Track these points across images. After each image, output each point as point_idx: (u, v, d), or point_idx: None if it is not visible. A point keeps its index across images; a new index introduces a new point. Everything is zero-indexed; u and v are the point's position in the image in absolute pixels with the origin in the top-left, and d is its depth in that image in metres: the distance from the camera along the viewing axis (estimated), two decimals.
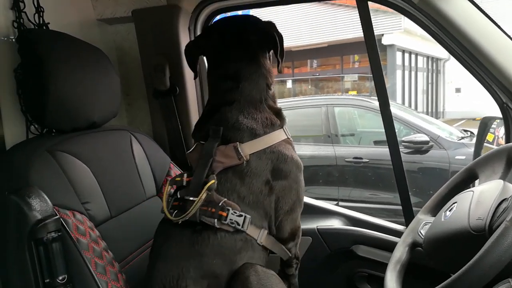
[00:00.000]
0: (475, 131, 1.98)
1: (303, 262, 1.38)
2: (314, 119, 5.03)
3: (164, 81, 1.70)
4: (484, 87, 1.40)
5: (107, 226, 1.20)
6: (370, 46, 1.63)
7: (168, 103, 1.74)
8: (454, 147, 4.42)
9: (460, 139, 4.61)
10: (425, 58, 14.41)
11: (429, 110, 14.63)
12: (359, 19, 1.61)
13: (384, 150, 1.74)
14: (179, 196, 1.14)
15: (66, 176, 1.12)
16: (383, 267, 1.26)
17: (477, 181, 1.21)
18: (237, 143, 1.14)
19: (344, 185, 4.83)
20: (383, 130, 1.69)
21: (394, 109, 5.14)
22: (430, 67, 15.03)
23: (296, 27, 11.64)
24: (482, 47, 1.32)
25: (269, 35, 1.24)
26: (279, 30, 1.27)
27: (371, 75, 1.72)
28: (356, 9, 1.61)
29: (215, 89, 1.27)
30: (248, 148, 1.15)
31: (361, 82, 13.26)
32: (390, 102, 1.71)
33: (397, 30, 11.42)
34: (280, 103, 1.36)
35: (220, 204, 1.09)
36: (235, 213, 1.09)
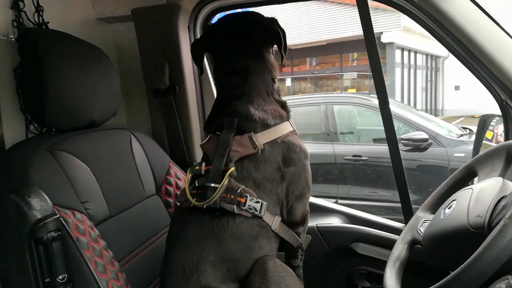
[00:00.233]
0: (474, 128, 1.98)
1: (303, 260, 1.38)
2: (313, 117, 5.03)
3: (163, 80, 1.70)
4: (484, 85, 1.40)
5: (106, 225, 1.20)
6: (370, 44, 1.63)
7: (168, 102, 1.74)
8: (453, 144, 4.43)
9: (459, 137, 4.61)
10: (424, 56, 14.42)
11: (428, 107, 14.64)
12: (358, 17, 1.61)
13: (383, 148, 1.75)
14: (197, 185, 1.17)
15: (66, 175, 1.12)
16: (382, 264, 1.26)
17: (476, 179, 1.22)
18: (251, 133, 1.19)
19: (343, 183, 4.84)
20: (382, 128, 1.69)
21: (393, 107, 5.14)
22: (429, 65, 15.03)
23: (295, 25, 11.63)
24: (482, 45, 1.32)
25: (272, 30, 1.28)
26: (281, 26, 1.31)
27: (370, 73, 1.72)
28: (355, 7, 1.61)
29: (223, 84, 1.30)
30: (262, 138, 1.20)
31: (360, 80, 13.26)
32: (390, 100, 1.71)
33: (396, 28, 11.42)
34: None
35: (238, 191, 1.13)
36: (253, 199, 1.14)
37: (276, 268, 1.12)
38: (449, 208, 1.07)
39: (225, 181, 1.12)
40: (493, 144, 1.95)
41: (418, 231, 1.21)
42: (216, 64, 1.33)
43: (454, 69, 13.55)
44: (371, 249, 1.68)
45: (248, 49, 1.27)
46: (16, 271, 0.98)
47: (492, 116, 1.89)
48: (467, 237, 0.95)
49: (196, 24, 1.78)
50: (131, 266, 1.23)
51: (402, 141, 4.40)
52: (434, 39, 1.48)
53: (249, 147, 1.18)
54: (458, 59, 1.43)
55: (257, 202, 1.14)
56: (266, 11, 1.45)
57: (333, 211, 1.82)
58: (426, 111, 13.49)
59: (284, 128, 1.25)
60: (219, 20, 1.39)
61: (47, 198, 1.00)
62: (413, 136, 4.48)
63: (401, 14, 1.53)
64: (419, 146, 4.44)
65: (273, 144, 1.21)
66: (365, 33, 1.62)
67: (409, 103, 12.65)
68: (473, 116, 9.63)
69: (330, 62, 14.55)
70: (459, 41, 1.35)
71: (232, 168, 1.14)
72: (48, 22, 1.38)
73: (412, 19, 1.49)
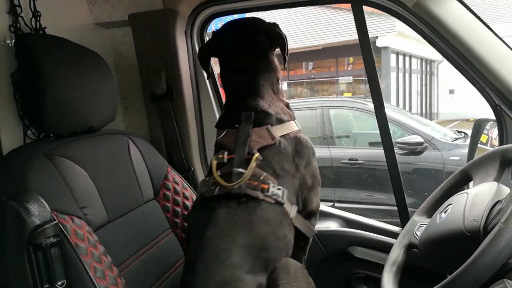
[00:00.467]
0: (469, 132, 1.99)
1: None
2: (309, 121, 5.04)
3: (161, 84, 1.71)
4: (478, 89, 1.42)
5: (105, 231, 1.20)
6: (365, 48, 1.64)
7: (165, 107, 1.74)
8: (448, 148, 4.45)
9: (454, 140, 4.64)
10: (419, 60, 14.50)
11: (423, 111, 14.72)
12: (353, 21, 1.62)
13: (379, 152, 1.76)
14: (219, 174, 1.19)
15: (64, 180, 1.12)
16: (379, 268, 1.26)
17: (471, 183, 1.23)
18: (269, 125, 1.25)
19: (340, 187, 4.85)
20: (378, 131, 1.71)
21: (389, 111, 5.15)
22: (424, 69, 15.12)
23: (291, 30, 11.65)
24: (476, 50, 1.34)
25: (275, 34, 1.37)
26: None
27: (366, 78, 1.74)
28: (351, 12, 1.62)
29: (232, 84, 1.35)
30: (277, 131, 1.26)
31: (356, 85, 13.32)
32: (385, 104, 1.73)
33: (391, 33, 11.48)
34: None
35: (261, 177, 1.17)
36: (275, 186, 1.18)
37: (296, 269, 1.17)
38: (445, 212, 1.08)
39: (253, 164, 1.16)
40: (488, 148, 1.97)
41: (415, 235, 1.22)
42: (224, 65, 1.39)
43: (448, 73, 13.64)
44: (368, 252, 1.68)
45: (255, 51, 1.33)
46: (15, 277, 0.98)
47: (487, 120, 1.91)
48: (463, 241, 0.96)
49: (193, 29, 1.79)
50: (130, 271, 1.23)
51: (397, 144, 4.43)
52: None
53: (267, 138, 1.23)
54: (452, 64, 1.44)
55: (279, 189, 1.18)
56: (262, 16, 1.47)
57: (330, 215, 1.83)
58: (421, 114, 13.56)
59: (293, 126, 1.32)
60: (224, 26, 1.43)
61: (45, 203, 1.00)
62: (409, 139, 4.51)
63: (396, 18, 1.54)
64: (414, 149, 4.46)
65: (286, 138, 1.27)
66: (361, 38, 1.64)
67: (404, 107, 12.71)
68: (467, 120, 9.69)
69: (326, 66, 14.61)
70: (453, 46, 1.37)
71: (257, 154, 1.18)
72: (45, 27, 1.38)
73: (406, 24, 1.51)
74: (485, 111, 1.52)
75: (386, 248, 1.44)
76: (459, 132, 5.01)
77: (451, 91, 14.74)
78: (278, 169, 1.22)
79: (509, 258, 0.86)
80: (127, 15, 1.69)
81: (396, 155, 1.72)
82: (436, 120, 13.86)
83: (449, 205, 1.10)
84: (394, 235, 1.61)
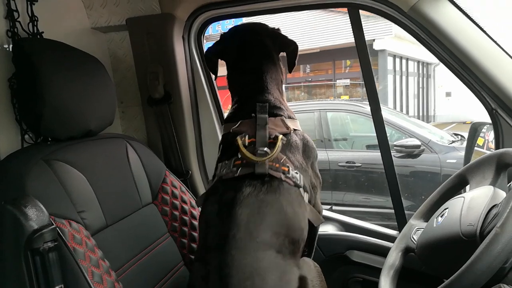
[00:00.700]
0: (466, 134, 2.01)
1: None
2: (307, 124, 5.04)
3: (158, 88, 1.71)
4: (474, 93, 1.42)
5: (103, 235, 1.20)
6: (362, 52, 1.65)
7: (163, 111, 1.74)
8: (445, 151, 4.47)
9: (451, 143, 4.65)
10: (415, 63, 14.55)
11: (420, 114, 14.76)
12: (350, 24, 1.63)
13: (377, 154, 1.76)
14: (239, 156, 1.19)
15: (62, 185, 1.12)
16: (377, 272, 1.27)
17: (467, 187, 1.23)
18: (282, 116, 1.30)
19: (338, 189, 4.85)
20: (375, 134, 1.71)
21: (386, 113, 5.20)
22: (420, 71, 15.17)
23: (288, 33, 11.65)
24: (471, 54, 1.35)
25: (279, 38, 1.43)
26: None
27: (363, 81, 1.75)
28: (347, 15, 1.64)
29: (241, 83, 1.39)
30: (290, 124, 1.30)
31: (353, 88, 13.35)
32: (382, 107, 1.74)
33: (388, 36, 11.52)
34: None
35: (281, 160, 1.20)
36: (293, 170, 1.21)
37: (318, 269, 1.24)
38: (441, 217, 1.09)
39: (279, 143, 1.18)
40: (484, 151, 1.98)
41: (412, 239, 1.22)
42: (232, 67, 1.43)
43: (445, 75, 13.68)
44: (365, 256, 1.69)
45: (263, 52, 1.38)
46: (13, 282, 0.98)
47: (483, 124, 1.92)
48: (460, 245, 0.97)
49: (191, 33, 1.80)
50: (128, 275, 1.23)
51: (395, 147, 4.44)
52: None
53: (282, 127, 1.27)
54: (448, 68, 1.45)
55: (296, 173, 1.22)
56: (259, 20, 1.48)
57: (327, 219, 1.83)
58: (418, 117, 13.59)
59: (299, 125, 1.35)
60: (231, 29, 1.47)
61: (43, 208, 1.00)
62: (406, 142, 4.52)
63: None
64: (411, 152, 4.47)
65: (297, 133, 1.31)
66: (357, 42, 1.65)
67: (401, 110, 12.74)
68: (464, 122, 9.73)
69: (324, 69, 14.63)
70: (449, 50, 1.37)
71: (281, 135, 1.21)
72: (42, 32, 1.39)
73: (403, 28, 1.52)
74: (482, 113, 1.53)
75: (383, 252, 1.44)
76: (456, 134, 5.03)
77: (448, 94, 14.79)
78: (292, 158, 1.25)
79: (505, 262, 0.86)
80: (124, 19, 1.69)
81: (393, 158, 1.73)
82: (433, 122, 13.90)
83: (445, 209, 1.11)
84: (392, 238, 1.61)
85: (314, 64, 14.53)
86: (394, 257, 1.23)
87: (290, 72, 1.47)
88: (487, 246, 0.83)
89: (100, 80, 1.37)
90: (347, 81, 13.51)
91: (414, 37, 1.50)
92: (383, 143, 1.71)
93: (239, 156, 1.19)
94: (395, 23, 1.52)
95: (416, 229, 1.24)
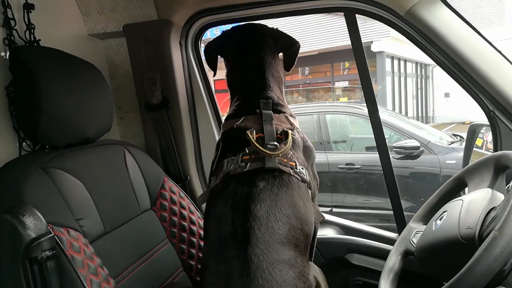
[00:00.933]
0: (465, 135, 2.00)
1: None
2: (306, 126, 5.05)
3: (156, 94, 1.71)
4: (471, 95, 1.43)
5: (101, 242, 1.19)
6: (358, 55, 1.66)
7: (160, 117, 1.75)
8: (444, 151, 4.47)
9: (450, 144, 4.66)
10: (414, 64, 14.57)
11: (419, 115, 14.76)
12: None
13: (376, 156, 1.76)
14: (247, 151, 1.19)
15: (60, 193, 1.12)
16: (377, 275, 1.27)
17: (466, 189, 1.23)
18: (286, 113, 1.31)
19: (337, 192, 4.85)
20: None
21: (385, 115, 5.21)
22: (419, 72, 15.19)
23: None
24: (468, 57, 1.35)
25: (282, 37, 1.44)
26: None
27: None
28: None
29: (242, 81, 1.39)
30: (293, 121, 1.31)
31: (351, 92, 13.37)
32: (381, 108, 1.74)
33: (385, 37, 11.54)
34: None
35: (289, 156, 1.21)
36: (300, 165, 1.22)
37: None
38: (440, 220, 1.09)
39: (290, 137, 1.19)
40: (483, 151, 1.98)
41: (411, 242, 1.22)
42: (234, 63, 1.43)
43: (443, 76, 13.68)
44: (365, 259, 1.69)
45: (264, 51, 1.39)
46: None
47: (481, 125, 1.92)
48: (459, 248, 0.96)
49: (188, 39, 1.80)
50: (126, 282, 1.22)
51: (394, 149, 4.44)
52: None
53: (286, 123, 1.28)
54: (445, 71, 1.45)
55: (302, 168, 1.23)
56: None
57: (327, 223, 1.83)
58: (417, 118, 13.60)
59: (298, 125, 1.35)
60: (232, 28, 1.49)
61: (41, 216, 1.00)
62: (405, 144, 4.52)
63: None
64: (411, 154, 4.48)
65: (298, 131, 1.32)
66: (354, 45, 1.66)
67: (400, 111, 12.75)
68: (463, 123, 9.73)
69: (322, 72, 14.65)
70: (446, 53, 1.38)
71: (290, 131, 1.22)
72: (39, 40, 1.39)
73: (399, 32, 1.52)
74: (481, 114, 1.53)
75: (383, 255, 1.44)
76: (455, 135, 5.03)
77: (447, 95, 14.80)
78: (296, 155, 1.25)
79: (504, 265, 0.86)
80: (121, 26, 1.69)
81: (393, 159, 1.73)
82: (432, 123, 13.90)
83: (444, 212, 1.11)
84: (391, 241, 1.61)
85: (313, 67, 14.56)
86: (393, 260, 1.22)
87: (288, 70, 1.48)
88: (485, 249, 0.83)
89: (98, 87, 1.37)
90: (346, 83, 13.53)
91: (411, 41, 1.50)
92: (381, 145, 1.72)
93: (247, 151, 1.19)
94: (392, 27, 1.53)
95: (415, 232, 1.24)
